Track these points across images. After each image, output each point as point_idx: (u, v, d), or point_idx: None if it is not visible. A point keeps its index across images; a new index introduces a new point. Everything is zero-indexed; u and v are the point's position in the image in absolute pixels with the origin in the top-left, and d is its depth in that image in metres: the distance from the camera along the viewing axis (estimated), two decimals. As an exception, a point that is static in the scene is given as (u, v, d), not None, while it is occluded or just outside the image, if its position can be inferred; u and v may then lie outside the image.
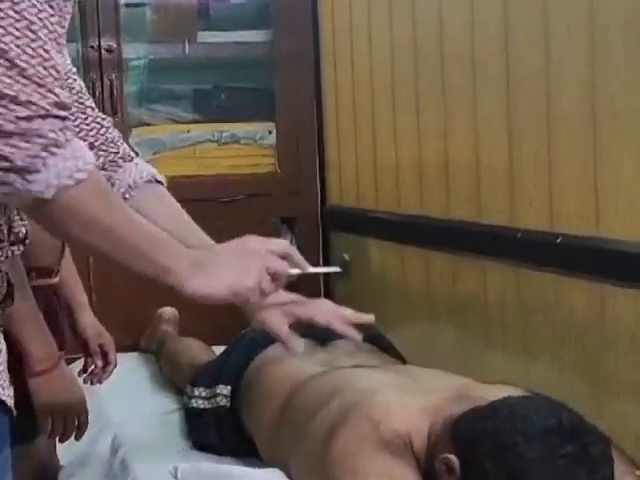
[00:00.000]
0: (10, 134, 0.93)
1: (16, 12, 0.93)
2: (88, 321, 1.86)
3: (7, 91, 0.92)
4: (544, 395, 1.47)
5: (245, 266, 1.18)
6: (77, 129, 1.44)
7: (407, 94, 2.43)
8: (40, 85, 0.94)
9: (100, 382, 1.88)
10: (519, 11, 1.95)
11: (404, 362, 2.15)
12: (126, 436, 2.03)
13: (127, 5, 2.88)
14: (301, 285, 3.13)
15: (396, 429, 1.45)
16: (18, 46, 0.93)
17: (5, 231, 1.10)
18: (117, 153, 1.47)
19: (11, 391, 1.07)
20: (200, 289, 1.12)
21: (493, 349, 2.13)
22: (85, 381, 1.88)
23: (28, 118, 0.94)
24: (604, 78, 1.72)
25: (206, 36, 2.98)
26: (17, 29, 0.93)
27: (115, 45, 2.78)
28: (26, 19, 0.94)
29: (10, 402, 1.06)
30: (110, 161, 1.47)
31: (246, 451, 1.90)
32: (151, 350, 2.66)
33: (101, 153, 1.47)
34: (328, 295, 2.99)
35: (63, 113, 0.96)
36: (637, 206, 1.67)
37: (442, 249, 2.30)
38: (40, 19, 0.95)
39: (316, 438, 1.55)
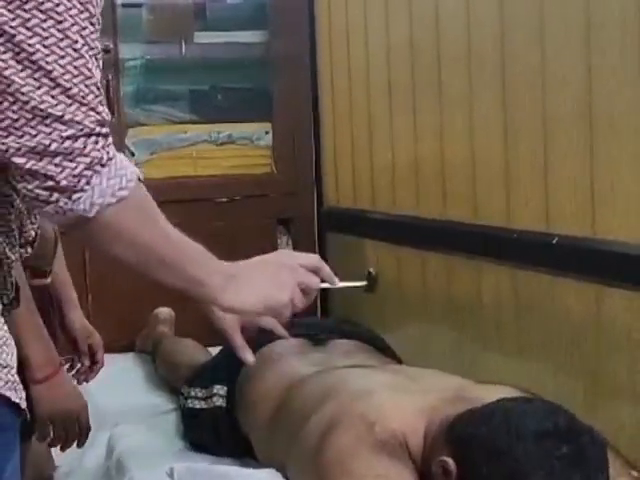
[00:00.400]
0: (55, 154, 0.95)
1: (59, 31, 0.94)
2: (78, 320, 1.85)
3: (51, 110, 0.94)
4: (540, 397, 1.47)
5: (279, 281, 1.21)
6: None
7: (403, 95, 2.43)
8: (83, 104, 0.95)
9: (87, 381, 1.87)
10: (515, 12, 1.95)
11: (400, 362, 2.15)
12: (122, 436, 2.03)
13: (123, 5, 2.88)
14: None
15: (392, 429, 1.45)
16: (62, 65, 0.94)
17: (17, 234, 1.10)
18: None
19: (24, 394, 1.07)
20: (234, 303, 1.16)
21: (489, 349, 2.13)
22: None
23: (73, 137, 0.95)
24: (600, 78, 1.72)
25: (203, 37, 2.98)
26: (61, 48, 0.94)
27: (111, 45, 2.78)
28: (69, 38, 0.95)
29: (23, 405, 1.06)
30: None
31: (242, 451, 1.90)
32: (147, 350, 2.65)
33: None
34: (324, 297, 3.00)
35: (105, 130, 0.98)
36: (633, 207, 1.67)
37: (438, 250, 2.30)
38: (82, 36, 0.96)
39: (312, 438, 1.55)
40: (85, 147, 0.96)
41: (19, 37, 0.93)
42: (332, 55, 2.86)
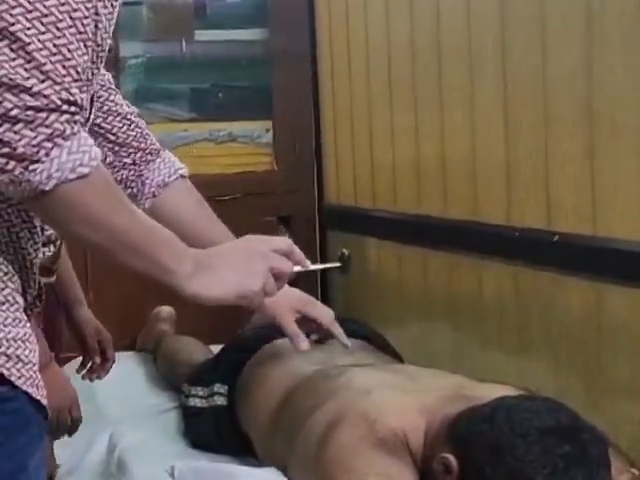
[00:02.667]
0: (16, 120, 0.91)
1: (45, 7, 0.91)
2: (86, 318, 1.86)
3: (21, 82, 0.91)
4: (541, 394, 1.47)
5: (251, 268, 1.15)
6: (109, 126, 1.46)
7: (404, 92, 2.43)
8: (56, 83, 0.92)
9: (99, 378, 1.88)
10: (516, 9, 1.95)
11: (401, 361, 2.15)
12: (123, 435, 2.03)
13: (124, 3, 2.82)
14: (300, 282, 3.14)
15: (393, 428, 1.45)
16: (40, 41, 0.91)
17: (39, 232, 1.08)
18: (145, 149, 1.51)
19: (45, 391, 1.06)
20: (203, 291, 1.10)
21: (490, 348, 2.13)
22: (84, 378, 1.88)
23: (37, 108, 0.91)
24: (601, 76, 1.72)
25: (203, 34, 2.97)
26: (42, 24, 0.91)
27: (112, 43, 2.77)
28: (53, 15, 0.92)
29: (44, 402, 1.05)
30: (140, 157, 1.51)
31: (243, 450, 1.90)
32: (148, 349, 2.65)
33: (131, 150, 1.51)
34: (325, 292, 3.00)
35: (74, 109, 0.94)
36: (635, 205, 1.67)
37: (439, 247, 2.30)
38: (71, 18, 0.93)
39: (313, 437, 1.55)
40: (47, 118, 0.92)
41: (3, 6, 0.90)
42: (332, 53, 2.86)
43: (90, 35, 0.96)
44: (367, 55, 2.62)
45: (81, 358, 1.89)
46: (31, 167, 0.93)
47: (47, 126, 0.92)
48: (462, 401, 1.44)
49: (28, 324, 1.05)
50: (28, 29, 0.91)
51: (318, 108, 2.98)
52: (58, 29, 0.92)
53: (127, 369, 2.48)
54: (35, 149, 0.92)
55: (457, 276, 2.25)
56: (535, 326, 1.97)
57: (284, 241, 1.26)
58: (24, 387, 1.02)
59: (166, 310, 2.74)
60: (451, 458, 1.34)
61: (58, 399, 1.53)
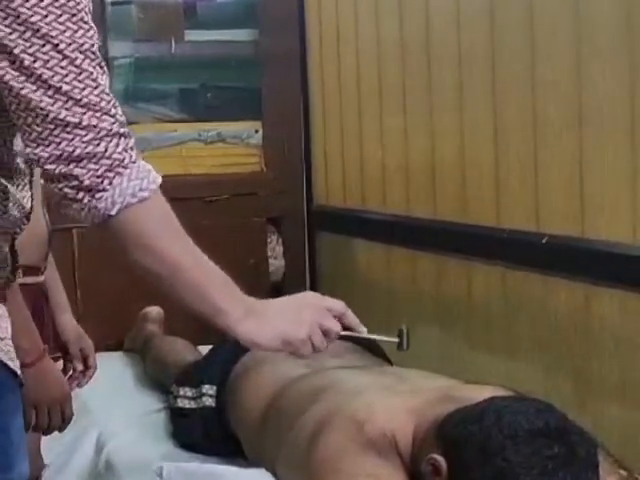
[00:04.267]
0: (80, 158, 1.04)
1: (58, 52, 1.03)
2: (68, 323, 1.84)
3: (70, 119, 1.03)
4: (530, 396, 1.47)
5: (299, 318, 1.23)
6: None
7: (394, 94, 2.43)
8: (96, 111, 1.04)
9: (79, 386, 1.86)
10: (505, 13, 1.96)
11: (390, 363, 2.15)
12: (111, 435, 2.02)
13: (113, 3, 2.87)
14: (286, 284, 3.14)
15: (381, 429, 1.45)
16: (68, 82, 1.03)
17: (25, 204, 1.18)
18: None
19: (18, 363, 1.16)
20: (252, 335, 1.18)
21: (478, 349, 2.14)
22: None
23: (93, 141, 1.04)
24: (590, 79, 1.73)
25: (193, 35, 2.97)
26: (62, 67, 1.03)
27: (101, 43, 2.76)
28: (68, 57, 1.03)
29: (19, 372, 1.16)
30: None
31: (232, 451, 1.90)
32: (136, 349, 2.65)
33: None
34: (313, 291, 2.99)
35: (123, 130, 1.07)
36: (622, 207, 1.68)
37: (428, 249, 2.31)
38: (81, 52, 1.04)
39: (302, 438, 1.55)
40: (107, 150, 1.05)
41: (25, 62, 1.02)
42: (322, 54, 2.86)
43: (99, 55, 1.07)
44: (357, 57, 2.62)
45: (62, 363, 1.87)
46: (97, 195, 1.06)
47: (107, 158, 1.05)
48: (451, 402, 1.44)
49: (1, 304, 1.15)
50: (53, 76, 1.03)
51: (307, 109, 2.98)
52: (76, 66, 1.04)
53: (115, 370, 2.48)
54: (99, 179, 1.05)
55: (446, 277, 2.26)
56: (523, 327, 1.98)
57: (339, 303, 1.32)
58: (3, 360, 1.13)
59: (154, 311, 2.73)
60: (440, 459, 1.34)
61: (50, 393, 1.52)
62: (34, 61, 1.02)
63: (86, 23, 1.05)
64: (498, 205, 2.02)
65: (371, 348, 2.14)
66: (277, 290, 3.02)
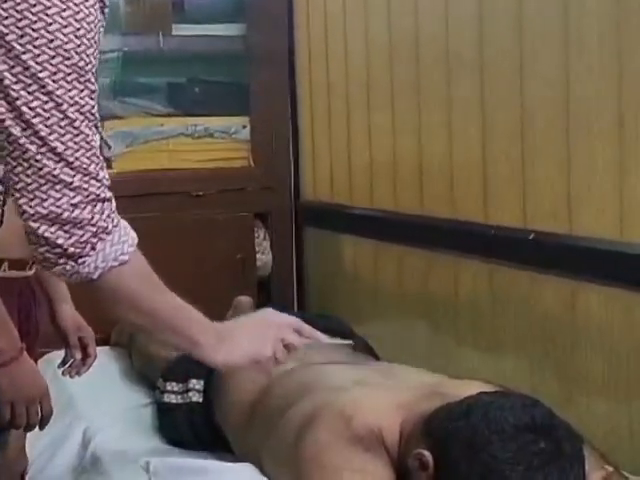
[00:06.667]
0: (66, 222, 1.06)
1: (60, 112, 1.04)
2: (68, 313, 1.85)
3: (62, 177, 1.05)
4: (517, 391, 1.48)
5: (264, 337, 1.36)
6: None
7: (382, 91, 2.43)
8: (85, 174, 1.06)
9: (79, 374, 1.87)
10: (494, 12, 1.96)
11: (377, 358, 2.15)
12: (97, 431, 2.02)
13: (101, -4, 2.85)
14: (274, 280, 3.13)
15: (368, 424, 1.45)
16: (63, 142, 1.05)
17: None
18: None
19: None
20: (225, 360, 1.32)
21: (465, 345, 2.14)
22: (64, 374, 1.87)
23: (80, 205, 1.06)
24: (577, 78, 1.73)
25: (181, 29, 2.96)
26: (61, 127, 1.04)
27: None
28: (68, 117, 1.05)
29: None
30: None
31: (219, 446, 1.90)
32: (123, 344, 2.64)
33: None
34: (300, 289, 3.00)
35: (109, 194, 1.09)
36: (609, 204, 1.68)
37: (416, 245, 2.31)
38: (81, 113, 1.06)
39: (289, 433, 1.55)
40: (92, 217, 1.07)
41: (25, 116, 1.03)
42: (311, 49, 2.86)
43: (96, 116, 1.09)
44: (345, 53, 2.62)
45: (63, 353, 1.88)
46: (80, 261, 1.09)
47: (93, 225, 1.08)
48: (438, 398, 1.44)
49: None
50: (50, 134, 1.04)
51: (295, 104, 2.98)
52: (75, 128, 1.05)
53: (101, 364, 2.46)
54: (83, 245, 1.08)
55: (433, 274, 2.26)
56: (510, 324, 1.98)
57: (295, 319, 1.46)
58: None
59: (141, 305, 2.71)
60: (426, 454, 1.34)
61: (27, 391, 1.52)
62: (34, 116, 1.03)
63: (92, 84, 1.07)
64: (485, 202, 2.03)
65: (358, 344, 2.14)
66: (264, 285, 3.02)
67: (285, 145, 3.00)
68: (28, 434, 1.70)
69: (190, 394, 2.00)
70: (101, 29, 1.12)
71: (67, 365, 1.86)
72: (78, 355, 1.84)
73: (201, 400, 1.98)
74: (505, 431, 1.28)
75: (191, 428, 1.97)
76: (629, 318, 1.67)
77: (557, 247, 1.81)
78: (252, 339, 1.35)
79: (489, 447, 1.27)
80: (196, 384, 2.00)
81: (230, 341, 1.32)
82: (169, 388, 2.04)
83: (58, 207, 1.05)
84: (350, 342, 1.68)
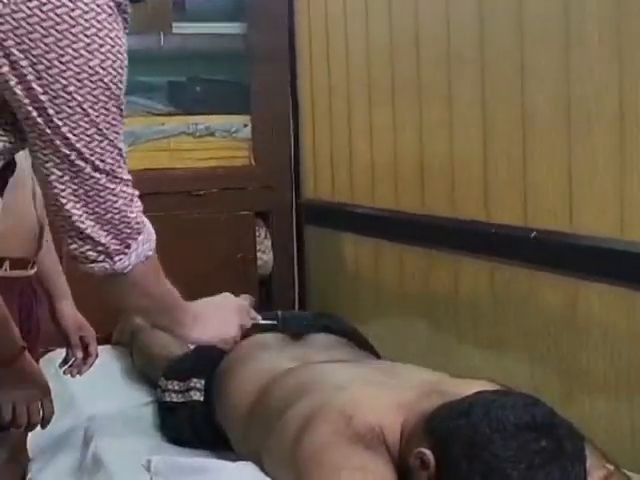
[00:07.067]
0: (108, 222, 1.16)
1: (101, 136, 1.11)
2: (69, 312, 1.85)
3: (108, 184, 1.14)
4: (518, 390, 1.48)
5: (228, 319, 1.60)
6: None
7: (383, 89, 2.43)
8: (124, 181, 1.16)
9: (80, 374, 1.87)
10: (494, 9, 1.96)
11: (378, 356, 2.15)
12: (98, 429, 2.02)
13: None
14: (274, 278, 3.13)
15: (369, 423, 1.45)
16: (102, 160, 1.12)
17: None
18: None
19: None
20: (198, 338, 1.52)
21: (466, 343, 2.14)
22: (65, 373, 1.88)
23: (123, 206, 1.16)
24: (578, 77, 1.73)
25: (181, 27, 2.96)
26: (102, 148, 1.12)
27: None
28: (108, 138, 1.12)
29: None
30: None
31: (220, 444, 1.90)
32: (124, 343, 2.64)
33: None
34: (302, 287, 3.00)
35: (137, 191, 1.18)
36: (610, 202, 1.68)
37: (416, 243, 2.31)
38: (115, 132, 1.13)
39: (289, 432, 1.55)
40: (135, 216, 1.18)
41: (72, 140, 1.09)
42: (311, 48, 2.86)
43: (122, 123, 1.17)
44: (346, 52, 2.62)
45: (64, 351, 1.88)
46: (116, 258, 1.19)
47: (130, 226, 1.19)
48: (439, 397, 1.44)
49: None
50: (93, 154, 1.11)
51: (296, 103, 2.98)
52: (113, 146, 1.13)
53: (103, 363, 2.46)
54: (122, 245, 1.18)
55: (434, 272, 2.26)
56: (511, 322, 1.98)
57: (246, 303, 1.74)
58: None
59: (142, 304, 2.72)
60: (427, 453, 1.34)
61: (28, 391, 1.52)
62: (77, 141, 1.09)
63: (122, 106, 1.14)
64: (486, 200, 2.03)
65: (359, 342, 2.14)
66: (265, 284, 3.02)
67: (286, 144, 3.00)
68: (29, 433, 1.70)
69: (191, 393, 2.00)
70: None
71: (68, 364, 1.86)
72: (79, 354, 1.85)
73: (202, 399, 1.98)
74: (506, 430, 1.28)
75: (192, 427, 1.97)
76: (630, 316, 1.67)
77: (558, 246, 1.81)
78: (221, 321, 1.56)
79: (490, 446, 1.27)
80: (197, 383, 2.00)
81: (203, 321, 1.49)
82: (170, 387, 2.04)
83: (104, 209, 1.13)
84: (274, 322, 1.91)
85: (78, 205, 1.12)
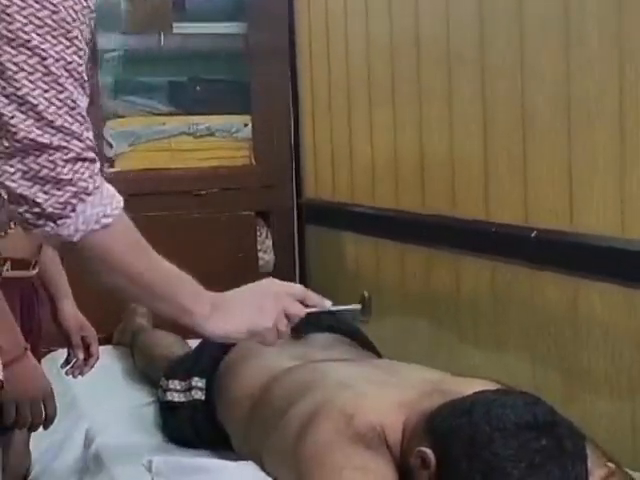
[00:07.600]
0: (45, 181, 1.02)
1: (44, 67, 1.00)
2: (70, 313, 1.85)
3: (40, 139, 1.01)
4: (519, 389, 1.48)
5: (263, 307, 1.28)
6: None
7: (383, 89, 2.43)
8: (67, 133, 1.02)
9: (82, 374, 1.87)
10: (494, 8, 1.96)
11: (379, 355, 2.15)
12: (100, 430, 2.02)
13: (103, -5, 2.86)
14: (277, 273, 3.14)
15: (370, 422, 1.45)
16: (46, 99, 1.01)
17: None
18: None
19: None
20: (218, 329, 1.25)
21: (467, 342, 2.14)
22: (67, 373, 1.88)
23: (60, 161, 1.02)
24: (579, 75, 1.73)
25: (181, 27, 2.96)
26: (45, 82, 1.01)
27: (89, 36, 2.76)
28: (53, 73, 1.01)
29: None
30: None
31: (222, 444, 1.90)
32: (125, 343, 2.64)
33: None
34: (303, 286, 2.99)
35: (92, 156, 1.05)
36: (610, 201, 1.68)
37: (417, 243, 2.31)
38: (67, 70, 1.02)
39: (290, 431, 1.55)
40: (72, 177, 1.03)
41: (7, 72, 0.99)
42: (312, 48, 2.86)
43: (84, 76, 1.05)
44: (346, 51, 2.62)
45: (66, 352, 1.88)
46: (59, 222, 1.04)
47: (73, 184, 1.03)
48: (440, 396, 1.44)
49: None
50: (34, 90, 1.00)
51: (297, 103, 2.98)
52: (59, 84, 1.02)
53: (104, 364, 2.46)
54: (62, 206, 1.04)
55: (435, 271, 2.26)
56: (512, 321, 1.98)
57: (298, 287, 1.39)
58: None
59: (143, 304, 2.72)
60: (428, 452, 1.34)
61: (31, 391, 1.52)
62: (16, 72, 0.99)
63: (80, 42, 1.04)
64: (487, 199, 2.03)
65: (360, 341, 2.15)
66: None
67: (286, 143, 3.00)
68: (32, 433, 1.70)
69: (193, 392, 2.00)
70: None
71: (70, 365, 1.87)
72: (81, 355, 1.85)
73: (203, 398, 1.98)
74: (507, 429, 1.28)
75: (194, 426, 1.97)
76: (631, 315, 1.67)
77: (559, 244, 1.81)
78: (250, 309, 1.27)
79: (491, 445, 1.27)
80: (199, 382, 2.00)
81: (225, 311, 1.24)
82: (172, 386, 2.04)
83: (37, 164, 1.02)
84: (358, 306, 1.54)
85: (10, 162, 1.02)
